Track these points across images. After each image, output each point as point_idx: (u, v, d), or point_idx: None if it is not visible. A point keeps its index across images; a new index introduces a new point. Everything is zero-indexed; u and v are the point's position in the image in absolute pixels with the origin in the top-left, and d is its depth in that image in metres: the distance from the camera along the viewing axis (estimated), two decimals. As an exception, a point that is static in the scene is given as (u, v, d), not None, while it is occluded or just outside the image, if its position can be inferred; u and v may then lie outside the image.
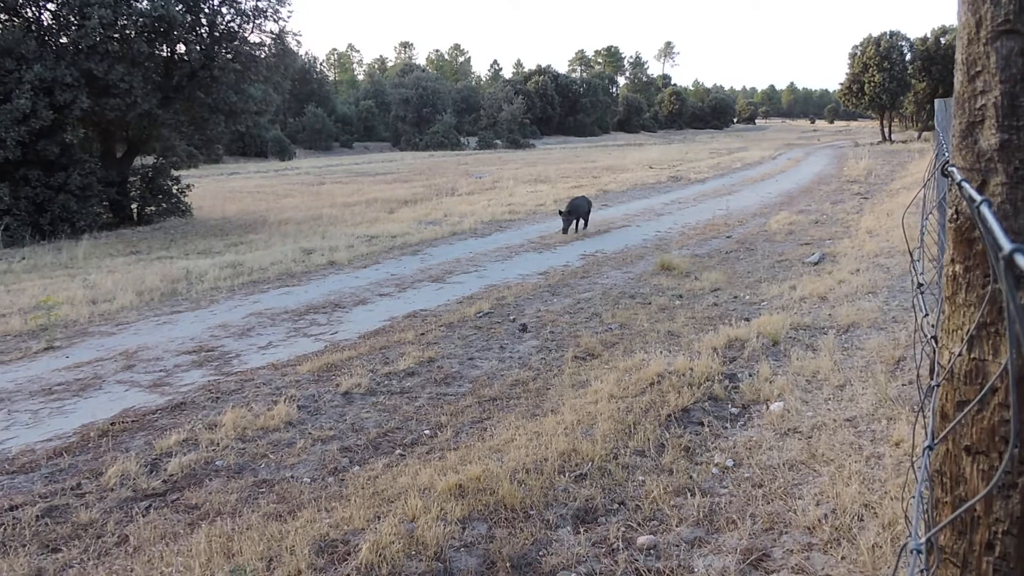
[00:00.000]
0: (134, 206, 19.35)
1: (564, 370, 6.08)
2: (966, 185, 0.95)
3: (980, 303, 1.05)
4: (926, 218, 2.79)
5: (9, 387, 6.16)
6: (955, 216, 1.12)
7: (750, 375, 5.59)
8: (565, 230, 13.45)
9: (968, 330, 1.06)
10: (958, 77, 1.14)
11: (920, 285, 1.91)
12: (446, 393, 5.75)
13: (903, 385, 4.96)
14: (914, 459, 1.31)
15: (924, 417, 1.23)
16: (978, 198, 0.77)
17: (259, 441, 4.89)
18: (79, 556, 3.57)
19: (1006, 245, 0.58)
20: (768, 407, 4.94)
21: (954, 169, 1.09)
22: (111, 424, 5.25)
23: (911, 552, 0.77)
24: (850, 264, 9.33)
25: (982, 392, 1.03)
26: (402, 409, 5.42)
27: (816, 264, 9.88)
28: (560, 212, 13.82)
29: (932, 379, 1.23)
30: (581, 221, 13.93)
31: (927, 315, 1.70)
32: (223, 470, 4.49)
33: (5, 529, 3.81)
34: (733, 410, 5.03)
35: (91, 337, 7.74)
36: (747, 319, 7.23)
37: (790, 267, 9.92)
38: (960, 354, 1.06)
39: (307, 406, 5.51)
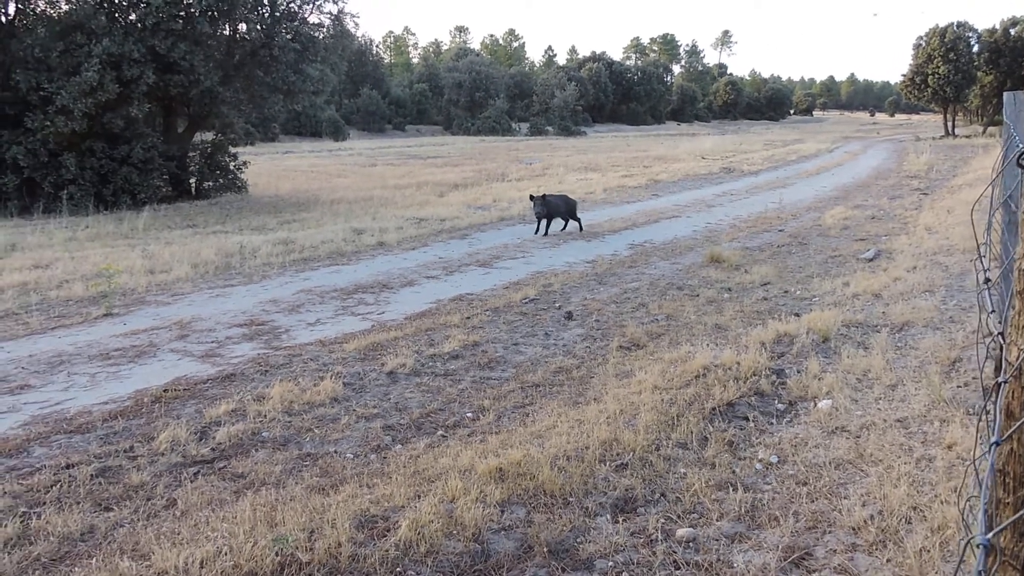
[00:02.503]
0: (192, 180, 19.79)
1: (608, 359, 6.04)
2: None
3: (1054, 299, 1.00)
4: (992, 215, 2.68)
5: (69, 350, 6.38)
6: (1030, 209, 1.07)
7: (798, 371, 5.48)
8: (537, 230, 12.47)
9: (1039, 327, 1.01)
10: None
11: (987, 281, 1.84)
12: (489, 377, 5.77)
13: (958, 387, 4.81)
14: (975, 459, 1.26)
15: (988, 418, 1.18)
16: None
17: (305, 415, 4.98)
18: (129, 516, 3.68)
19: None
20: (816, 404, 4.84)
21: (1032, 159, 1.04)
22: (164, 391, 5.39)
23: (977, 547, 0.74)
24: (907, 261, 9.07)
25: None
26: (445, 391, 5.45)
27: (871, 260, 9.62)
28: (531, 196, 12.43)
29: (998, 376, 1.18)
30: (562, 222, 12.72)
31: (992, 312, 1.63)
32: (269, 441, 4.58)
33: (61, 486, 3.95)
34: (779, 406, 4.94)
35: (148, 306, 7.95)
36: (797, 314, 7.08)
37: (844, 263, 9.68)
38: (1030, 352, 1.02)
39: (352, 383, 5.58)
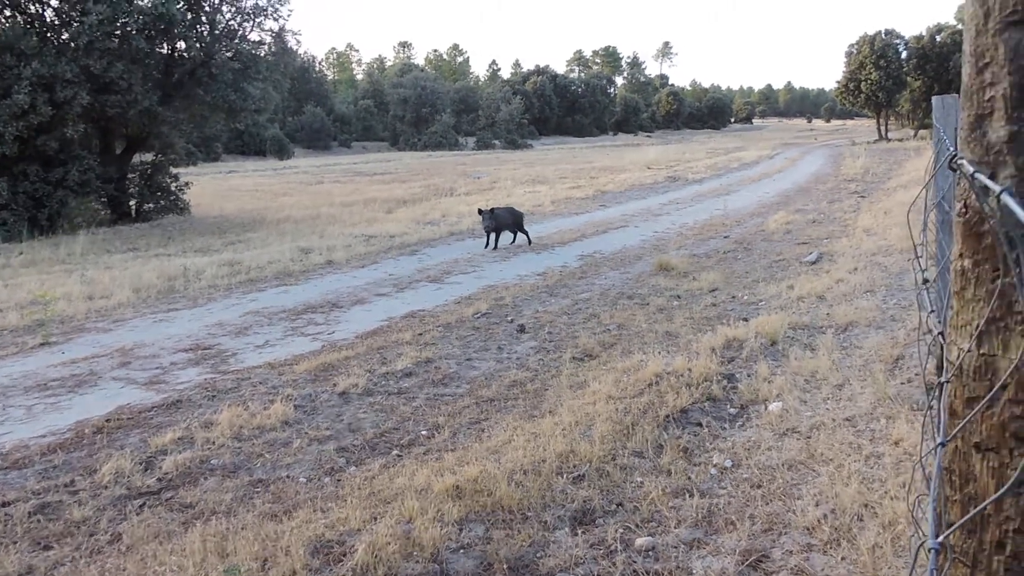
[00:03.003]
0: (132, 203, 19.31)
1: (562, 371, 6.05)
2: (982, 177, 0.93)
3: (989, 298, 1.02)
4: (927, 216, 2.76)
5: (4, 382, 6.13)
6: (964, 210, 1.10)
7: (748, 375, 5.57)
8: (487, 244, 12.39)
9: (977, 325, 1.03)
10: (966, 69, 1.12)
11: (926, 281, 1.89)
12: (443, 394, 5.72)
13: (902, 384, 4.94)
14: (922, 458, 1.29)
15: (932, 415, 1.20)
16: (996, 188, 0.75)
17: (255, 440, 4.86)
18: (71, 554, 3.53)
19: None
20: (767, 407, 4.92)
21: (964, 162, 1.07)
22: (106, 421, 5.21)
23: (929, 551, 0.74)
24: (848, 263, 9.31)
25: (993, 389, 1.00)
26: (399, 409, 5.38)
27: (814, 263, 9.86)
28: (480, 211, 12.36)
29: (940, 376, 1.21)
30: (510, 235, 12.70)
31: (932, 311, 1.67)
32: (218, 469, 4.45)
33: (-2, 527, 3.78)
34: (732, 410, 5.00)
35: (87, 333, 7.70)
36: (745, 319, 7.20)
37: (788, 266, 9.90)
38: (969, 350, 1.04)
39: (304, 406, 5.48)
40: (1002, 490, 0.90)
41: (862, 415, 4.55)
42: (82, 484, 4.27)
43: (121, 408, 5.52)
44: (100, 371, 6.42)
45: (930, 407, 1.33)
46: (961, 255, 1.09)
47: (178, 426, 5.08)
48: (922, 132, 51.20)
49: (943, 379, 1.09)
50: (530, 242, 12.80)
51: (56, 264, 12.17)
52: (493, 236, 12.39)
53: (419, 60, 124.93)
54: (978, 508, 0.93)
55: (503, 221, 12.40)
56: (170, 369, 6.46)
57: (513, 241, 12.87)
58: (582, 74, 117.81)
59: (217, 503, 4.00)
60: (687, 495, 3.80)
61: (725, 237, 12.88)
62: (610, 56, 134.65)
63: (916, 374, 5.01)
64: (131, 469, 4.41)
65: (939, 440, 0.96)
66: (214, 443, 4.79)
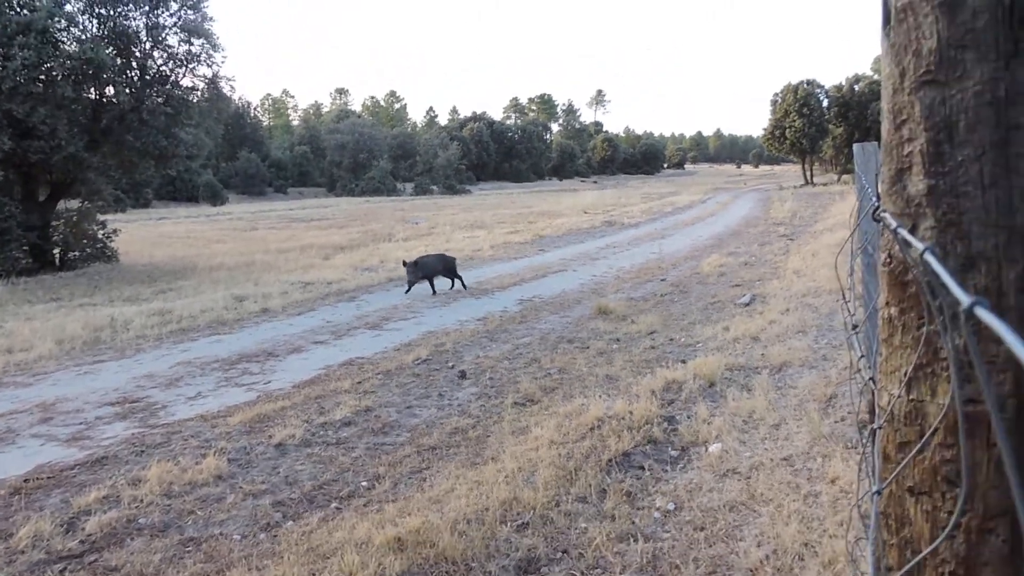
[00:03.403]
0: (56, 251, 18.62)
1: (504, 417, 6.02)
2: (904, 232, 0.97)
3: (916, 345, 1.06)
4: (854, 260, 2.88)
5: (-88, 446, 5.75)
6: (888, 260, 1.14)
7: (688, 417, 5.63)
8: (407, 291, 12.38)
9: (906, 371, 1.07)
10: (885, 125, 1.18)
11: (855, 327, 1.95)
12: (384, 443, 5.62)
13: (835, 422, 5.07)
14: (859, 500, 1.32)
15: (867, 457, 1.23)
16: (921, 246, 0.78)
17: (186, 497, 4.67)
18: (-15, 629, 3.31)
19: (964, 299, 0.57)
20: (707, 448, 4.97)
21: (887, 215, 1.12)
22: (24, 481, 4.94)
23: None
24: (780, 304, 9.58)
25: (923, 434, 1.03)
26: (338, 460, 5.26)
27: (747, 305, 10.11)
28: (404, 263, 12.39)
29: (873, 421, 1.24)
30: (439, 280, 12.69)
31: (863, 356, 1.73)
32: (146, 528, 4.25)
33: (-98, 602, 3.52)
34: (673, 453, 5.04)
35: (5, 388, 7.32)
36: (683, 361, 7.31)
37: (723, 308, 10.12)
38: (899, 396, 1.07)
39: (238, 459, 5.30)
40: (939, 539, 0.92)
41: (799, 454, 4.64)
42: (-3, 551, 4.02)
43: (41, 467, 5.24)
44: (18, 428, 6.10)
45: (863, 449, 1.37)
46: (888, 303, 1.13)
47: (103, 484, 4.84)
48: (845, 176, 53.63)
49: (875, 425, 1.12)
50: (465, 287, 12.84)
51: (-28, 316, 11.59)
52: (427, 283, 12.47)
53: (356, 106, 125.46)
54: (916, 558, 0.96)
55: (431, 268, 12.53)
56: (95, 424, 6.18)
57: (452, 287, 12.88)
58: (519, 121, 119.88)
59: (144, 565, 3.81)
60: (631, 540, 3.79)
61: (662, 280, 13.12)
62: (545, 103, 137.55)
63: (849, 412, 5.16)
64: (51, 532, 4.17)
65: (875, 487, 0.99)
66: (142, 501, 4.58)
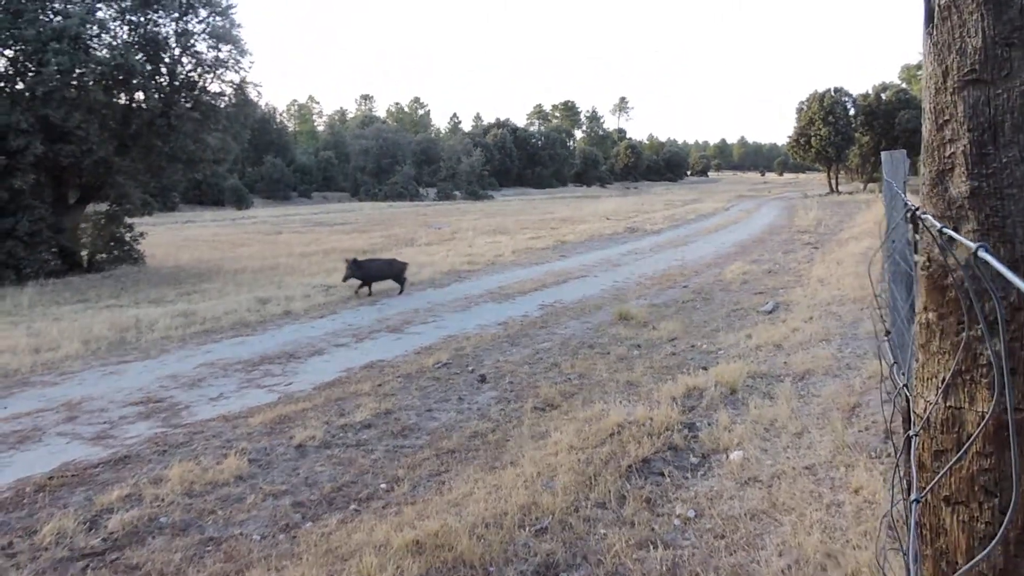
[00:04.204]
0: (84, 253, 18.86)
1: (523, 421, 5.98)
2: (951, 232, 0.93)
3: (955, 351, 1.02)
4: (885, 268, 2.81)
5: (-59, 442, 5.83)
6: (927, 264, 1.10)
7: (709, 424, 5.56)
8: (357, 292, 12.91)
9: (943, 378, 1.02)
10: (926, 126, 1.14)
11: (887, 333, 1.90)
12: (403, 446, 5.61)
13: (860, 432, 4.98)
14: (890, 509, 1.27)
15: (896, 468, 1.19)
16: (972, 245, 0.74)
17: (207, 496, 4.68)
18: (7, 624, 3.33)
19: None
20: (728, 456, 4.90)
21: (928, 216, 1.07)
22: (49, 479, 4.98)
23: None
24: (803, 312, 9.46)
25: (961, 442, 0.99)
26: (358, 462, 5.25)
27: (770, 313, 10.00)
28: (346, 260, 12.91)
29: (906, 428, 1.20)
30: (379, 284, 13.18)
31: (895, 363, 1.68)
32: (168, 527, 4.27)
33: (-73, 596, 3.55)
34: (693, 460, 4.98)
35: (32, 387, 7.41)
36: (705, 368, 7.24)
37: (745, 316, 10.02)
38: (936, 403, 1.03)
39: (259, 459, 5.31)
40: (982, 554, 0.88)
41: (822, 463, 4.56)
42: (21, 546, 4.05)
43: (66, 465, 5.28)
44: (44, 426, 6.16)
45: (889, 456, 1.32)
46: (925, 308, 1.09)
47: (126, 483, 4.87)
48: (871, 185, 53.00)
49: (911, 432, 1.08)
50: (402, 291, 13.23)
51: (1, 316, 11.77)
52: (362, 285, 13.01)
53: (380, 112, 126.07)
54: (957, 573, 0.91)
55: (376, 271, 13.06)
56: (119, 423, 6.23)
57: (401, 291, 13.18)
58: (542, 127, 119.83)
59: (165, 564, 3.82)
60: (651, 547, 3.74)
61: (684, 287, 13.02)
62: (569, 110, 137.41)
63: (873, 422, 5.06)
64: (74, 529, 4.20)
65: (912, 497, 0.94)
66: (163, 500, 4.60)
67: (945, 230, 0.94)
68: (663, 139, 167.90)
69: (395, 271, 13.25)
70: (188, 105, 18.41)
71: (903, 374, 1.52)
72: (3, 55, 16.58)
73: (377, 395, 6.87)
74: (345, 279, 12.89)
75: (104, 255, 19.06)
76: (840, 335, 8.03)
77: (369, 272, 12.91)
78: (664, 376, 7.11)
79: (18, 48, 15.98)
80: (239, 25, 19.19)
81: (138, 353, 8.90)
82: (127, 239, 19.51)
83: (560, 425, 5.75)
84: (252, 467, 5.16)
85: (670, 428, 5.43)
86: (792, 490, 4.21)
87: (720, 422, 5.50)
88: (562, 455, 5.00)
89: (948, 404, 1.02)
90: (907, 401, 1.22)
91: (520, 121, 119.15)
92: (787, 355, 7.44)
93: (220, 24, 18.76)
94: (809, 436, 5.08)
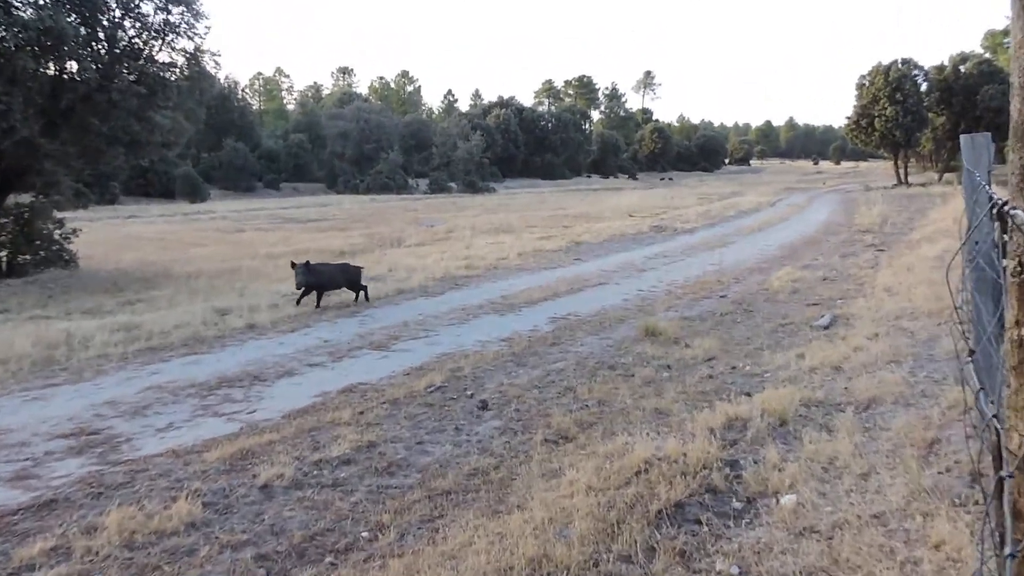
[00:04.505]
0: (3, 254, 18.91)
1: (532, 456, 5.98)
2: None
3: (1058, 373, 1.01)
4: (965, 274, 2.80)
5: None
6: (1019, 269, 1.09)
7: (755, 461, 5.55)
8: (298, 301, 12.87)
9: (1045, 407, 1.01)
10: (1015, 104, 1.13)
11: (971, 352, 1.88)
12: (389, 485, 5.60)
13: (939, 473, 4.95)
14: (982, 569, 1.26)
15: (991, 517, 1.17)
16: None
17: (151, 549, 4.67)
18: None
19: None
20: (778, 501, 4.88)
21: (1019, 212, 1.06)
22: (-38, 527, 4.98)
23: None
24: (867, 328, 9.44)
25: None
26: (335, 506, 5.25)
27: (827, 328, 9.98)
28: (293, 264, 12.84)
29: (1000, 468, 1.19)
30: (351, 292, 13.31)
31: (982, 389, 1.67)
32: (105, 585, 4.26)
33: None
34: (736, 504, 4.96)
35: (-56, 416, 7.43)
36: (748, 394, 7.23)
37: (796, 332, 10.01)
38: (1036, 437, 1.02)
39: (215, 503, 5.31)
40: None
41: (893, 511, 4.53)
42: (-71, 607, 4.05)
43: (-18, 509, 5.29)
44: (-42, 462, 6.17)
45: (977, 503, 1.31)
46: (1018, 323, 1.08)
47: (52, 533, 4.87)
48: (947, 176, 52.84)
49: (1003, 473, 1.06)
50: (367, 299, 13.30)
51: (-91, 328, 11.82)
52: (315, 294, 12.95)
53: (362, 88, 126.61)
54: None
55: (327, 278, 13.02)
56: (44, 460, 6.24)
57: (356, 300, 13.26)
58: (553, 107, 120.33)
59: (102, 629, 3.82)
60: (686, 611, 3.72)
61: (722, 297, 13.01)
62: (585, 87, 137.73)
63: (956, 461, 5.04)
64: (-9, 588, 4.20)
65: (1007, 551, 0.93)
66: (98, 554, 4.59)
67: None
68: (696, 121, 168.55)
69: (349, 278, 13.30)
70: (132, 78, 18.47)
71: (992, 403, 1.50)
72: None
73: (358, 425, 6.87)
74: (299, 287, 12.79)
75: (28, 256, 19.11)
76: (912, 355, 8.00)
77: (320, 279, 12.93)
78: (700, 403, 7.10)
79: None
80: (193, -18, 19.28)
81: (69, 375, 8.91)
82: (56, 237, 19.56)
83: (576, 461, 5.73)
84: (207, 512, 5.15)
85: (708, 466, 5.42)
86: (857, 544, 4.19)
87: (768, 459, 5.48)
88: (578, 497, 4.99)
89: (1051, 439, 1.01)
90: (997, 435, 1.21)
91: (527, 100, 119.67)
92: (848, 379, 7.42)
93: (170, -20, 18.86)
94: (877, 478, 5.05)
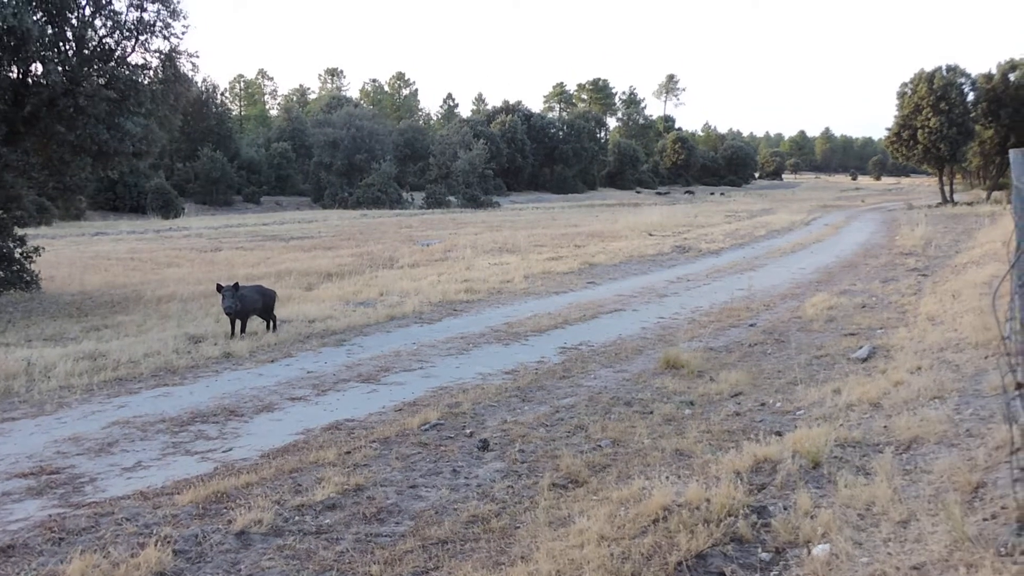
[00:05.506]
0: (-42, 275, 19.02)
1: (538, 502, 5.99)
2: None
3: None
4: (1014, 302, 2.84)
5: None
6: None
7: (785, 508, 5.56)
8: (232, 332, 12.73)
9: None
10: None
11: (1019, 386, 1.92)
12: (379, 533, 5.62)
13: (985, 520, 4.95)
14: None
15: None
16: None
17: (118, 599, 4.70)
18: None
19: None
20: (809, 551, 4.89)
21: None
22: (-93, 576, 5.01)
23: None
24: (909, 361, 9.45)
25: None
26: (318, 555, 5.26)
27: (865, 361, 9.99)
28: (219, 286, 12.60)
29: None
30: (253, 319, 13.17)
31: None
32: (66, 640, 4.29)
33: None
34: (764, 555, 4.97)
35: None
36: (779, 433, 7.24)
37: (832, 364, 10.02)
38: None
39: (187, 551, 5.33)
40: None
41: (935, 562, 4.54)
42: None
43: (-69, 556, 5.32)
44: (-95, 503, 6.21)
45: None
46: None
47: (11, 581, 4.90)
48: (996, 194, 52.82)
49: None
50: (275, 329, 13.18)
51: None
52: (239, 322, 12.78)
53: (353, 92, 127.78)
54: None
55: (250, 304, 12.77)
56: (1, 502, 6.27)
57: (268, 328, 13.17)
58: (564, 113, 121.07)
59: None
60: (707, 674, 3.73)
61: (751, 325, 13.03)
62: (600, 91, 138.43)
63: (1003, 507, 5.04)
64: (-58, 642, 4.22)
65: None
66: (60, 604, 4.62)
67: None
68: (723, 130, 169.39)
69: (265, 302, 13.13)
70: (101, 81, 18.60)
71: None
72: None
73: (345, 466, 6.88)
74: (229, 312, 12.43)
75: (-15, 277, 19.19)
76: (958, 391, 8.01)
77: (246, 304, 12.65)
78: (725, 443, 7.11)
79: None
80: (170, -22, 19.47)
81: (28, 407, 8.95)
82: (16, 256, 19.63)
83: (587, 508, 5.75)
84: (178, 561, 5.17)
85: (733, 513, 5.43)
86: (895, 598, 4.19)
87: (799, 506, 5.49)
88: (590, 548, 5.00)
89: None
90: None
91: (536, 105, 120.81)
92: (887, 417, 7.42)
93: (145, -24, 19.05)
94: (918, 525, 5.06)
